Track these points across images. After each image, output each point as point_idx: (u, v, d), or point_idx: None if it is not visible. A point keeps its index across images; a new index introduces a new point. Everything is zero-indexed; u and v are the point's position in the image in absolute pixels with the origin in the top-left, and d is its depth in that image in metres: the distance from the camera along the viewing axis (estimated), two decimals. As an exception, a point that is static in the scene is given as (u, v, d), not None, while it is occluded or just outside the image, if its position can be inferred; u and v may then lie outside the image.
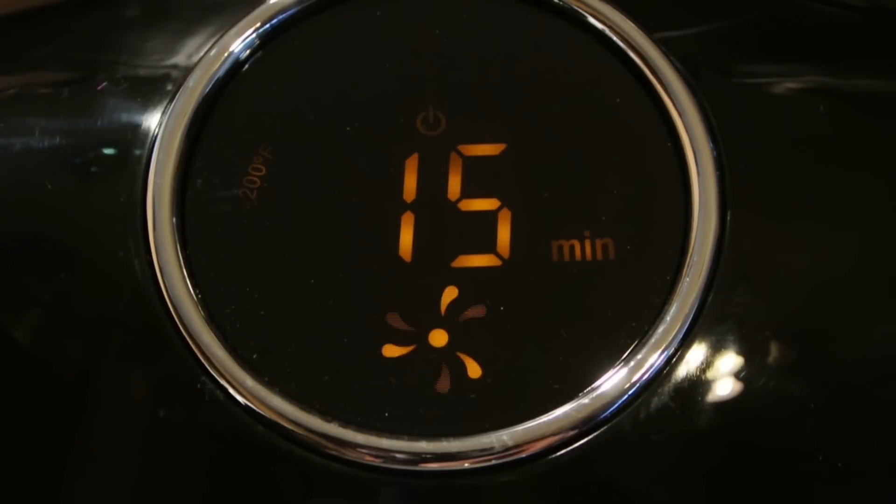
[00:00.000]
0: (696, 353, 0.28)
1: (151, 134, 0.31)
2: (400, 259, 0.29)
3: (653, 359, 0.28)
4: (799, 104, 0.32)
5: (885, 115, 0.31)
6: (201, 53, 0.31)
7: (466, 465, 0.28)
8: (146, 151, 0.30)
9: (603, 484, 0.28)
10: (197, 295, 0.29)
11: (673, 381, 0.28)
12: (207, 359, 0.28)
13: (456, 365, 0.28)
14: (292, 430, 0.28)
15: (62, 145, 0.31)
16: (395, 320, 0.29)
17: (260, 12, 0.32)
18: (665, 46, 0.31)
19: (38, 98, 0.32)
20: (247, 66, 0.32)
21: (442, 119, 0.31)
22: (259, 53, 0.32)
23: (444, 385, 0.28)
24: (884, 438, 0.29)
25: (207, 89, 0.31)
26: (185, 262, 0.29)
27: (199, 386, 0.28)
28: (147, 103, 0.31)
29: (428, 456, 0.28)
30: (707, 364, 0.28)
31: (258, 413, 0.28)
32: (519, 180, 0.30)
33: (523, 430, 0.28)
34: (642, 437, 0.28)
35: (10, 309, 0.30)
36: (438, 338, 0.29)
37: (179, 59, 0.32)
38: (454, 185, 0.30)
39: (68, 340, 0.29)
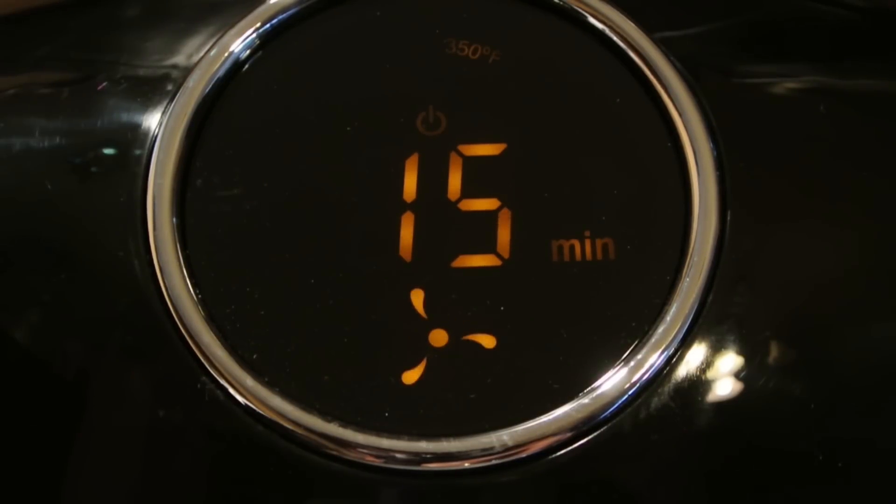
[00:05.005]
0: (697, 353, 0.28)
1: (151, 134, 0.31)
2: (400, 259, 0.29)
3: (653, 359, 0.28)
4: (799, 104, 0.32)
5: (885, 115, 0.31)
6: (201, 53, 0.31)
7: (467, 465, 0.28)
8: (146, 151, 0.30)
9: (603, 484, 0.28)
10: (197, 295, 0.29)
11: (673, 381, 0.28)
12: (207, 359, 0.28)
13: (456, 365, 0.28)
14: (292, 430, 0.28)
15: (62, 145, 0.31)
16: (395, 320, 0.29)
17: (260, 12, 0.32)
18: (665, 46, 0.31)
19: (38, 98, 0.32)
20: (247, 66, 0.32)
21: (442, 119, 0.31)
22: (259, 53, 0.32)
23: (443, 385, 0.28)
24: (884, 438, 0.29)
25: (207, 89, 0.31)
26: (185, 262, 0.29)
27: (199, 386, 0.28)
28: (147, 103, 0.31)
29: (428, 456, 0.28)
30: (707, 364, 0.28)
31: (258, 413, 0.28)
32: (519, 180, 0.30)
33: (523, 430, 0.28)
34: (642, 437, 0.28)
35: (10, 309, 0.30)
36: (438, 338, 0.29)
37: (179, 59, 0.32)
38: (454, 185, 0.30)
39: (68, 340, 0.29)
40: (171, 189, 0.30)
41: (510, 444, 0.27)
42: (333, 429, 0.28)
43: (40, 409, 0.29)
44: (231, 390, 0.28)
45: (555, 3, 0.32)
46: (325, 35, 0.32)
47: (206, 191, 0.30)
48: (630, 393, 0.28)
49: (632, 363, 0.28)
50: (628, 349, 0.28)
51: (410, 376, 0.28)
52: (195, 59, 0.31)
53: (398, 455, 0.28)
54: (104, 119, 0.31)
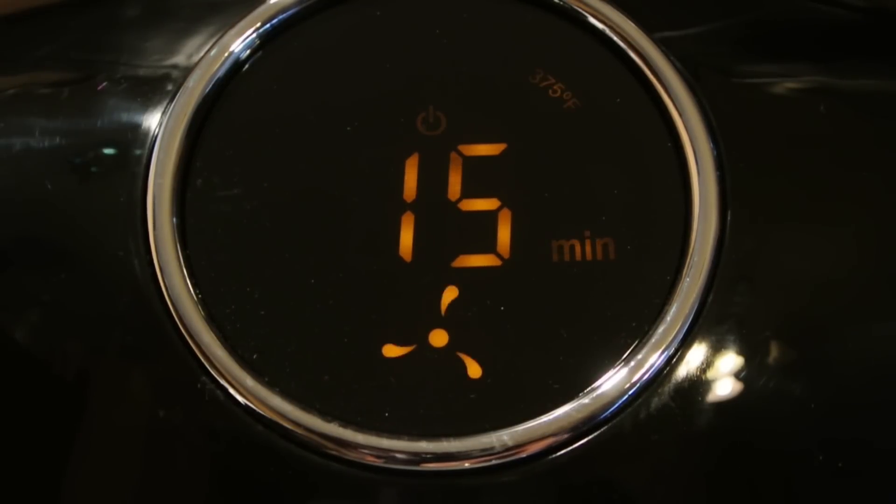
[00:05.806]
0: (697, 353, 0.28)
1: (151, 134, 0.31)
2: (400, 259, 0.29)
3: (653, 359, 0.28)
4: (799, 104, 0.32)
5: (885, 115, 0.31)
6: (201, 53, 0.31)
7: (467, 465, 0.28)
8: (146, 151, 0.30)
9: (603, 484, 0.28)
10: (197, 295, 0.29)
11: (673, 381, 0.28)
12: (207, 359, 0.28)
13: (456, 365, 0.28)
14: (292, 430, 0.28)
15: (62, 145, 0.31)
16: (395, 320, 0.29)
17: (260, 12, 0.32)
18: (665, 46, 0.31)
19: (38, 98, 0.32)
20: (247, 66, 0.32)
21: (442, 119, 0.31)
22: (259, 53, 0.32)
23: (443, 385, 0.28)
24: (884, 438, 0.29)
25: (207, 89, 0.31)
26: (185, 262, 0.29)
27: (199, 386, 0.28)
28: (147, 103, 0.31)
29: (428, 456, 0.28)
30: (707, 364, 0.28)
31: (258, 413, 0.28)
32: (519, 180, 0.30)
33: (523, 430, 0.28)
34: (642, 437, 0.28)
35: (10, 309, 0.30)
36: (438, 338, 0.29)
37: (179, 59, 0.32)
38: (454, 184, 0.30)
39: (68, 340, 0.29)
40: (171, 189, 0.30)
41: (510, 444, 0.27)
42: (333, 429, 0.28)
43: (40, 409, 0.29)
44: (231, 390, 0.28)
45: (555, 3, 0.32)
46: (325, 35, 0.32)
47: (206, 191, 0.30)
48: (630, 393, 0.28)
49: (632, 363, 0.28)
50: (628, 349, 0.28)
51: (410, 376, 0.28)
52: (195, 59, 0.31)
53: (398, 455, 0.28)
54: (104, 119, 0.31)
